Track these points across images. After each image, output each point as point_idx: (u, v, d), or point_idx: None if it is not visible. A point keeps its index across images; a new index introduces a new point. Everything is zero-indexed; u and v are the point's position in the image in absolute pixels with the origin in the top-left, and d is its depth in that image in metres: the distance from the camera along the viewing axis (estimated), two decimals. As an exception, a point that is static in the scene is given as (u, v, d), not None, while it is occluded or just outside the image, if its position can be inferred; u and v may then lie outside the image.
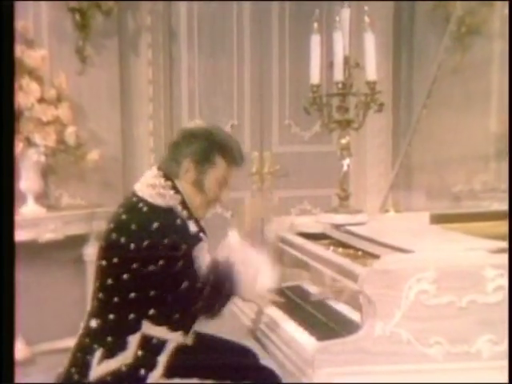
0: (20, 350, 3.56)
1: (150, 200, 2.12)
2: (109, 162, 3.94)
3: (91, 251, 3.87)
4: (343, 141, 2.67)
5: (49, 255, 3.76)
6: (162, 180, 2.17)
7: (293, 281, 2.72)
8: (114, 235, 2.11)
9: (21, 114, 3.45)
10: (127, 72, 4.15)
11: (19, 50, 3.44)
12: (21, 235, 3.10)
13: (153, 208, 2.11)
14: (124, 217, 2.13)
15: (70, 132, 3.63)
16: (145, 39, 4.18)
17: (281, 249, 2.71)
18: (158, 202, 2.12)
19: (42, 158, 3.57)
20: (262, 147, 4.50)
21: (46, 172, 3.79)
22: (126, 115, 4.16)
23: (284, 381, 2.18)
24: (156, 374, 2.07)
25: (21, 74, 3.45)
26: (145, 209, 2.11)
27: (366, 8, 2.59)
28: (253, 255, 2.21)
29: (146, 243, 2.03)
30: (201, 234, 2.17)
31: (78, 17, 3.82)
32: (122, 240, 2.07)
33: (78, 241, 3.85)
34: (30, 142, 3.51)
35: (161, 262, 2.02)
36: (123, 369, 2.06)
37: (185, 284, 2.04)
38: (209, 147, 2.18)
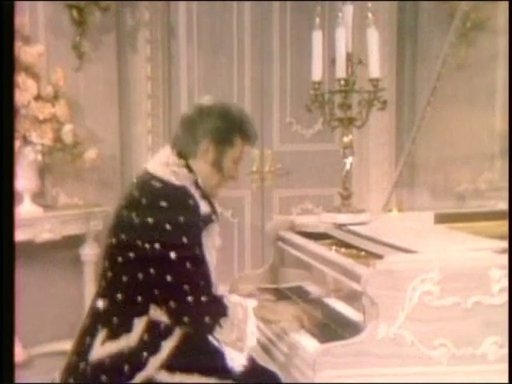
0: (16, 352, 3.56)
1: (164, 177, 2.12)
2: (106, 160, 3.94)
3: (89, 251, 3.88)
4: (346, 139, 2.67)
5: (45, 255, 3.76)
6: (176, 158, 2.17)
7: (294, 281, 2.71)
8: (124, 211, 2.10)
9: (17, 111, 3.45)
10: (125, 68, 4.15)
11: (15, 47, 3.43)
12: (17, 235, 3.05)
13: (166, 185, 2.10)
14: (136, 193, 2.11)
15: (67, 130, 3.63)
16: (143, 35, 4.17)
17: (282, 249, 2.72)
18: (172, 179, 2.12)
19: (39, 157, 3.57)
20: (262, 145, 4.49)
21: (43, 171, 3.79)
22: (124, 113, 4.16)
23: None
24: (159, 358, 2.04)
25: (17, 70, 3.45)
26: (157, 185, 2.10)
27: (369, 4, 2.60)
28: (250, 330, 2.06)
29: (154, 221, 2.02)
30: (213, 216, 2.17)
31: (75, 13, 3.82)
32: (133, 216, 2.05)
33: (75, 241, 3.86)
34: (26, 141, 3.51)
35: (162, 245, 2.00)
36: (125, 351, 2.04)
37: (189, 270, 2.02)
38: (228, 127, 2.19)
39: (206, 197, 2.18)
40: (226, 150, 2.19)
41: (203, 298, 2.03)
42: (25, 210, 3.63)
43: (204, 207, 2.13)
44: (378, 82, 2.59)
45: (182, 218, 2.03)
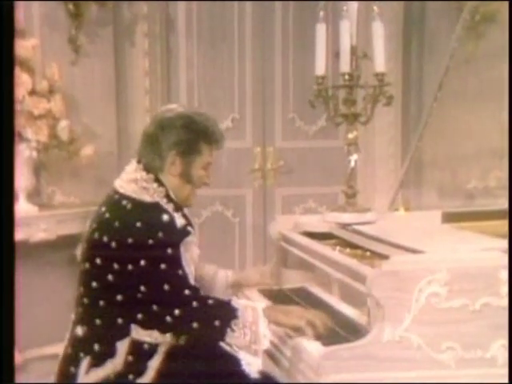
0: (11, 355, 3.57)
1: (134, 196, 2.14)
2: (103, 157, 3.94)
3: (85, 252, 3.88)
4: (350, 135, 2.68)
5: (41, 256, 3.76)
6: (144, 173, 2.18)
7: (297, 282, 2.72)
8: (96, 235, 2.11)
9: (11, 107, 3.45)
10: (123, 63, 4.15)
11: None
12: (11, 235, 3.11)
13: (137, 204, 2.12)
14: (107, 215, 2.13)
15: (63, 126, 3.63)
16: (141, 29, 4.18)
17: (285, 249, 2.72)
18: (143, 197, 2.14)
19: (34, 154, 3.58)
20: (264, 142, 4.50)
21: (38, 168, 3.79)
22: (122, 108, 4.16)
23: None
24: (145, 380, 2.07)
25: (11, 65, 3.46)
26: (129, 206, 2.11)
27: (374, -1, 2.60)
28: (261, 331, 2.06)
29: (131, 242, 2.03)
30: (188, 228, 2.17)
31: (71, 6, 3.83)
32: (106, 239, 2.07)
33: (71, 241, 3.84)
34: (21, 137, 3.52)
35: (146, 262, 2.02)
36: (112, 376, 2.07)
37: (171, 285, 2.04)
38: (192, 137, 2.19)
39: (179, 209, 2.20)
40: (194, 160, 2.21)
41: (210, 301, 2.07)
42: (19, 209, 3.62)
43: (179, 220, 2.14)
44: (383, 77, 2.59)
45: (159, 234, 2.04)
